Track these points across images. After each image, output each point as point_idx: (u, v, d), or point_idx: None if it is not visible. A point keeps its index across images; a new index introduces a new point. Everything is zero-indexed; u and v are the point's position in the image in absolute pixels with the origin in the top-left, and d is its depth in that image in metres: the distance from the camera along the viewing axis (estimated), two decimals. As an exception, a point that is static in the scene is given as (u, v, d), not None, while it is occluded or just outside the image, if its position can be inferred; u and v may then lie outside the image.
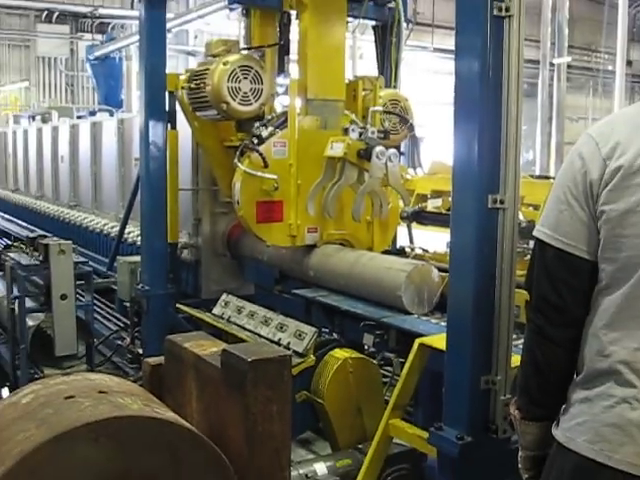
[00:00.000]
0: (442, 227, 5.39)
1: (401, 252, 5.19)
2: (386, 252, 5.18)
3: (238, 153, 4.87)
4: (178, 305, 5.42)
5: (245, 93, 4.93)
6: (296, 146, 4.83)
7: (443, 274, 4.13)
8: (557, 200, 1.88)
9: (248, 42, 5.35)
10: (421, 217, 4.71)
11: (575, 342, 1.89)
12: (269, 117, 5.07)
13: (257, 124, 4.96)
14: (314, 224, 4.97)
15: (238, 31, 5.49)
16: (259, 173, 4.77)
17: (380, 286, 4.30)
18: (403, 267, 4.25)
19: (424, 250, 5.29)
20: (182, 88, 5.29)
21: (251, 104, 4.97)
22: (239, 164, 4.82)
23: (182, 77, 5.40)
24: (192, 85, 5.10)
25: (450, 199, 4.66)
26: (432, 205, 4.70)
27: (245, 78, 4.93)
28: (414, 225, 5.40)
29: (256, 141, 4.84)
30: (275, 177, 4.76)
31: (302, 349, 4.09)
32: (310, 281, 4.90)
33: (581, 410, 1.84)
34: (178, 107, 5.54)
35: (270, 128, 4.93)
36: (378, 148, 4.66)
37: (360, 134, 4.77)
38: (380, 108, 5.31)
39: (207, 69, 4.99)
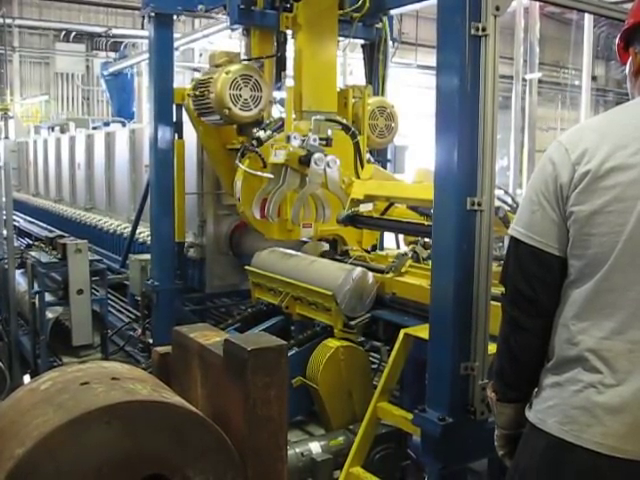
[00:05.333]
0: (375, 229, 5.17)
1: (345, 254, 4.90)
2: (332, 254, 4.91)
3: (239, 154, 4.87)
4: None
5: (245, 100, 4.92)
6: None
7: (378, 275, 4.13)
8: (530, 202, 1.87)
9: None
10: (354, 220, 4.53)
11: (546, 331, 1.88)
12: (267, 122, 5.06)
13: (256, 128, 4.95)
14: (310, 220, 4.86)
15: (239, 49, 5.46)
16: (258, 173, 4.75)
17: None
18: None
19: (367, 252, 5.11)
20: (188, 96, 5.26)
21: (251, 110, 4.96)
22: (240, 164, 4.81)
23: (188, 86, 5.38)
24: (197, 92, 5.09)
25: (378, 204, 4.55)
26: (363, 209, 4.49)
27: (246, 86, 4.92)
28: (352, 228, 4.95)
29: (255, 143, 4.83)
30: (273, 176, 4.72)
31: (353, 323, 4.08)
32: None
33: (552, 394, 1.84)
34: (185, 118, 5.53)
35: (268, 132, 4.92)
36: (317, 155, 4.50)
37: (302, 141, 4.61)
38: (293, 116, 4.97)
39: (211, 78, 4.97)
